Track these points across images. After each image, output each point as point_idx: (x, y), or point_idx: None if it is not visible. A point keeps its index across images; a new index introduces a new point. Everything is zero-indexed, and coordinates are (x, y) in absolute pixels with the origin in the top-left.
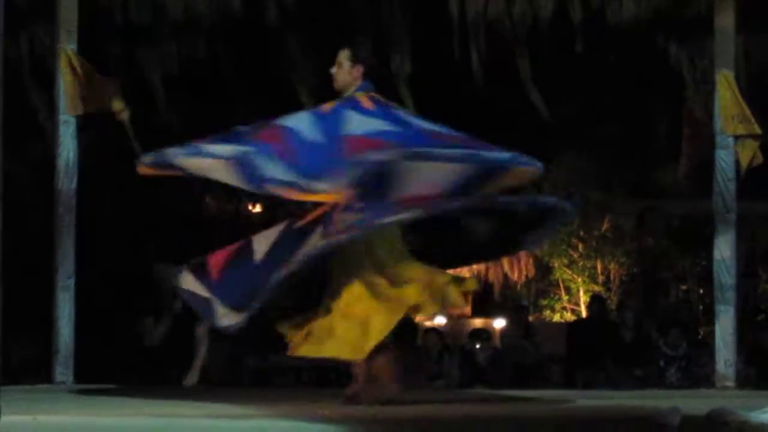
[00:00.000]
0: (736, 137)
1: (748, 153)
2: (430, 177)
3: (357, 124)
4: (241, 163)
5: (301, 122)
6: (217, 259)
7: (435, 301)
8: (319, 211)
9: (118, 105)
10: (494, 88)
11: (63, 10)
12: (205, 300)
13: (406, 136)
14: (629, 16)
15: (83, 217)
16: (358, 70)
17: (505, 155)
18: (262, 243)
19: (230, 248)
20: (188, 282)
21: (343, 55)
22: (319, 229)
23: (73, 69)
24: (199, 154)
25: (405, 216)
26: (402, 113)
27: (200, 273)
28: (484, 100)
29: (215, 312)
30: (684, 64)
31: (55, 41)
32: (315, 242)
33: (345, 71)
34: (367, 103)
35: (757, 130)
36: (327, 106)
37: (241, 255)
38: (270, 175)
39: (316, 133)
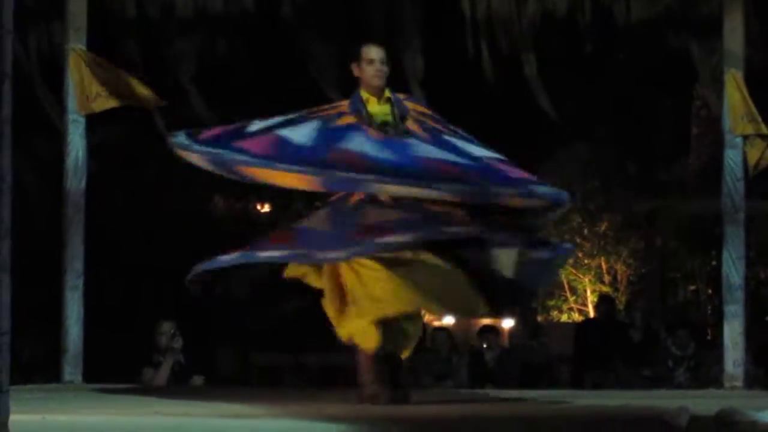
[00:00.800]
0: (745, 137)
1: (756, 153)
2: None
3: (355, 143)
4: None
5: (302, 133)
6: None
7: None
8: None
9: (144, 92)
10: (505, 86)
11: (72, 8)
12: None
13: (393, 163)
14: (638, 15)
15: (92, 216)
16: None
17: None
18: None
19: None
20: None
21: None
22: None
23: (84, 67)
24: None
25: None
26: (410, 144)
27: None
28: (494, 97)
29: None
30: (693, 63)
31: (64, 40)
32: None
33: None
34: (374, 134)
35: (765, 130)
36: (345, 120)
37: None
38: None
39: (310, 139)
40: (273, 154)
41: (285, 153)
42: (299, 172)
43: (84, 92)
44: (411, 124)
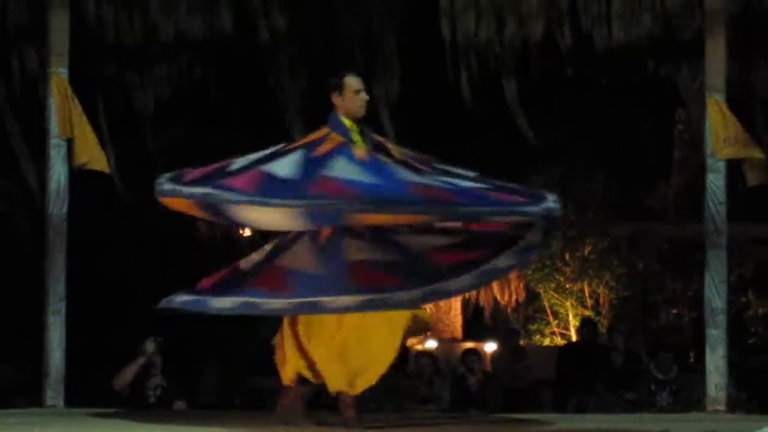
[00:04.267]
0: (741, 159)
1: (756, 173)
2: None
3: (338, 169)
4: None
5: (286, 166)
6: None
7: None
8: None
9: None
10: (483, 111)
11: (54, 33)
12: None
13: (376, 187)
14: (620, 39)
15: (74, 240)
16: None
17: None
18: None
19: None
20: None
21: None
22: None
23: (66, 91)
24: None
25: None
26: (394, 167)
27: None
28: (473, 122)
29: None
30: (675, 87)
31: (45, 64)
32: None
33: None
34: (360, 154)
35: (759, 154)
36: (324, 148)
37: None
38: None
39: (296, 171)
40: (262, 191)
41: (273, 188)
42: (293, 206)
43: (65, 116)
44: (381, 156)
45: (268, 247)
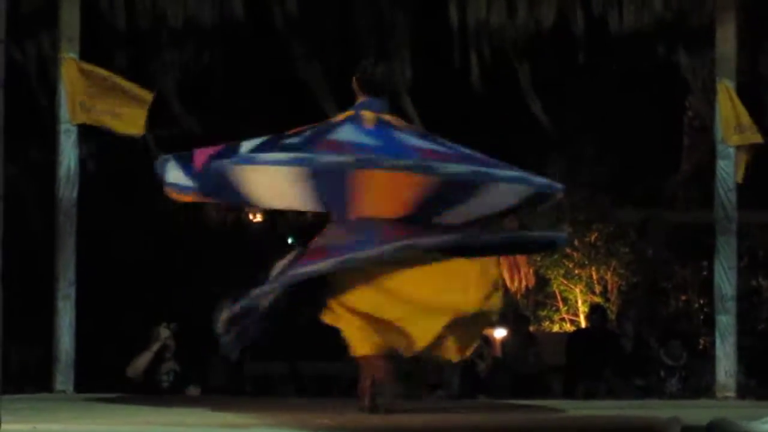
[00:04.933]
0: (737, 147)
1: (743, 160)
2: (388, 188)
3: (343, 133)
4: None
5: (294, 137)
6: None
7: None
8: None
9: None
10: (495, 97)
11: (65, 18)
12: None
13: (378, 149)
14: (630, 26)
15: (84, 225)
16: (354, 83)
17: (515, 174)
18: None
19: None
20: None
21: None
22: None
23: (76, 76)
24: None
25: (386, 250)
26: (400, 134)
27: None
28: (484, 108)
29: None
30: (685, 73)
31: (56, 49)
32: (293, 269)
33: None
34: (368, 124)
35: (758, 138)
36: (339, 118)
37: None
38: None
39: (301, 139)
40: (261, 149)
41: (273, 146)
42: (284, 162)
43: (76, 101)
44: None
45: (295, 251)
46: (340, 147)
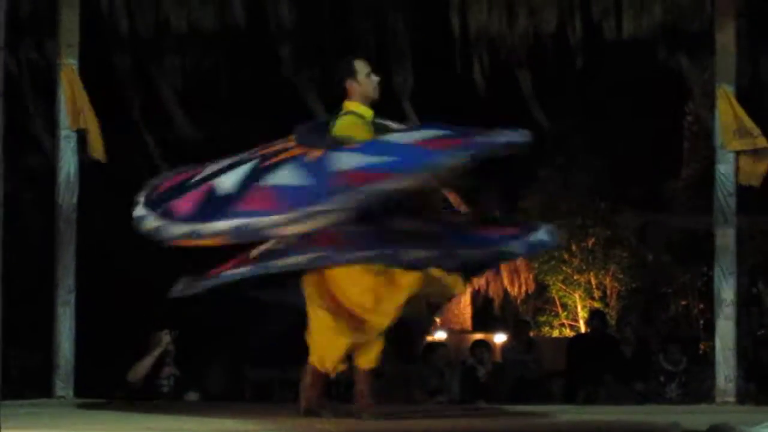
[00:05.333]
0: (738, 152)
1: (748, 166)
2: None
3: (345, 160)
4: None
5: (232, 179)
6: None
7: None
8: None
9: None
10: (496, 103)
11: (64, 24)
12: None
13: (394, 162)
14: (629, 31)
15: (84, 231)
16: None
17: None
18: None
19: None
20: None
21: None
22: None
23: (76, 83)
24: (200, 236)
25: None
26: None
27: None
28: (486, 114)
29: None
30: (685, 78)
31: (56, 55)
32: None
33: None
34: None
35: (763, 143)
36: (312, 156)
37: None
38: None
39: (303, 179)
40: (198, 213)
41: (207, 209)
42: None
43: (75, 108)
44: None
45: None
46: (271, 200)
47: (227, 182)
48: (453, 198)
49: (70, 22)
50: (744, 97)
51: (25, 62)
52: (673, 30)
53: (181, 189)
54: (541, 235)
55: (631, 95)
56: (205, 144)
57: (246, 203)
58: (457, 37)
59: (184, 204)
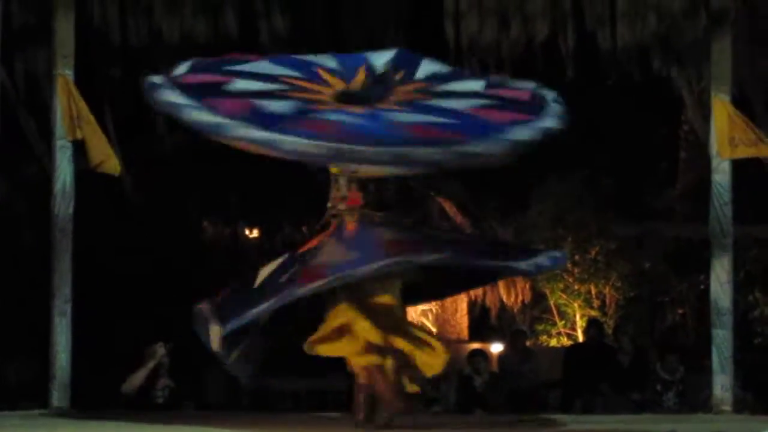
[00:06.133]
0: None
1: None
2: None
3: (333, 115)
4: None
5: (279, 105)
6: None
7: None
8: (314, 242)
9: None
10: None
11: (59, 35)
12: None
13: (370, 129)
14: (624, 40)
15: (80, 241)
16: None
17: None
18: (264, 271)
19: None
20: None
21: None
22: (298, 273)
23: (72, 93)
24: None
25: (382, 265)
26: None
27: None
28: None
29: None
30: (681, 88)
31: (51, 66)
32: (291, 289)
33: None
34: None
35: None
36: (323, 106)
37: (243, 284)
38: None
39: (287, 109)
40: (246, 116)
41: (258, 118)
42: (259, 141)
43: (71, 118)
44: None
45: (281, 260)
46: (329, 127)
47: (273, 106)
48: (449, 207)
49: (65, 33)
50: (738, 106)
51: (22, 73)
52: (668, 39)
53: (217, 90)
54: (546, 260)
55: (626, 104)
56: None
57: (308, 126)
58: (451, 45)
59: (228, 105)
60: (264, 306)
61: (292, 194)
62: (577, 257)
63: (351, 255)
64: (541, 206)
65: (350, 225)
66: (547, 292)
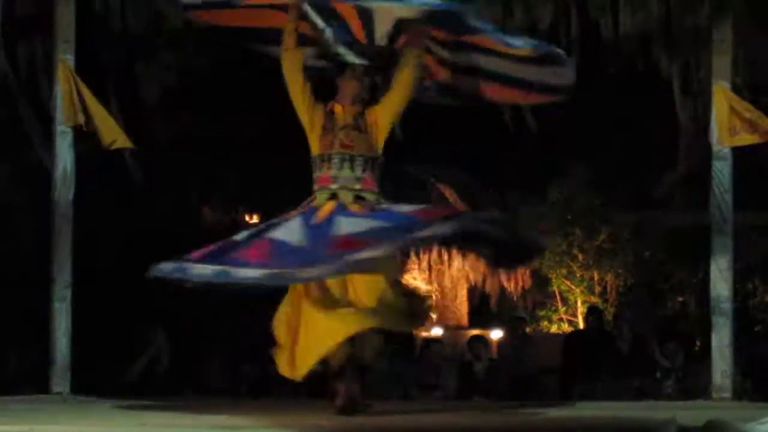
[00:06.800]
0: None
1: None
2: None
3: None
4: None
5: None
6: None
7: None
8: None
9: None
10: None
11: (60, 21)
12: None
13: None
14: (625, 27)
15: (80, 227)
16: None
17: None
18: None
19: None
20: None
21: None
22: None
23: (72, 79)
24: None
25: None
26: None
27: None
28: (482, 114)
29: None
30: (681, 75)
31: (52, 51)
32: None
33: None
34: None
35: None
36: (322, 214)
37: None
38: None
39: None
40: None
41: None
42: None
43: (72, 104)
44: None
45: (262, 225)
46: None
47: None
48: (449, 193)
49: (65, 18)
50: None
51: (24, 58)
52: (669, 26)
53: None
54: (444, 227)
55: (627, 91)
56: (201, 139)
57: (244, 253)
58: None
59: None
60: (197, 272)
61: (292, 179)
62: (586, 245)
63: (299, 240)
64: (551, 193)
65: (322, 213)
66: (552, 277)
